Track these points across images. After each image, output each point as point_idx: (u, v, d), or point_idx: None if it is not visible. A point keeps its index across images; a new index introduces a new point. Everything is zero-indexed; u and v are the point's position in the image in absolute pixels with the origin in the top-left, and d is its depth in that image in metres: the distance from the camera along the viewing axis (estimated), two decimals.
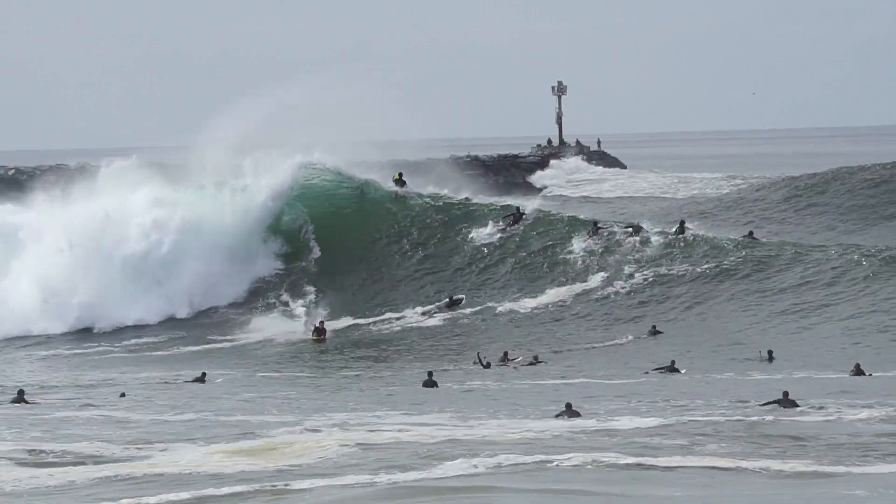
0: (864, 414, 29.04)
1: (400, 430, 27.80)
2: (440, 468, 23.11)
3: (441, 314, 52.69)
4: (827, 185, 78.07)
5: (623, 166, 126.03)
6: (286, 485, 21.81)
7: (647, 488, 21.10)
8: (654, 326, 48.46)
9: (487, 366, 42.81)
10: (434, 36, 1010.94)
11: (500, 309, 52.48)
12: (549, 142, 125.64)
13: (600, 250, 55.75)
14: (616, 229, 57.55)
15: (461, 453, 24.18)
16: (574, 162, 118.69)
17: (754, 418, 28.70)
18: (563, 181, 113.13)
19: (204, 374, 40.71)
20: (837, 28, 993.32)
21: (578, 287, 53.44)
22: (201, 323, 53.55)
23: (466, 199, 61.06)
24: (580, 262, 55.42)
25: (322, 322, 50.70)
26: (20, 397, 35.21)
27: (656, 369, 40.58)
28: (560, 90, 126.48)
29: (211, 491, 21.38)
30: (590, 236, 57.17)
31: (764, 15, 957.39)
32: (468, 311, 52.42)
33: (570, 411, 30.39)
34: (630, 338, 47.44)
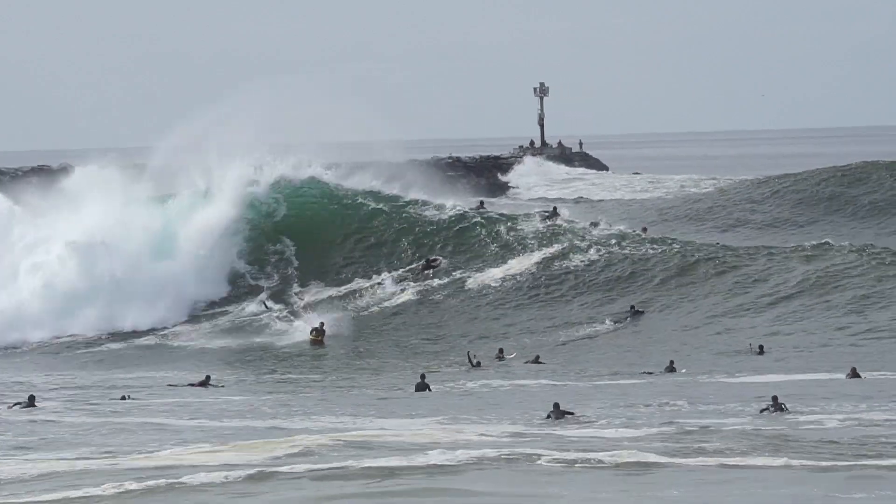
0: (863, 416, 28.97)
1: (388, 432, 27.79)
2: (422, 457, 23.39)
3: (419, 287, 53.49)
4: (804, 184, 78.61)
5: (605, 167, 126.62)
6: (259, 471, 22.30)
7: (640, 488, 21.09)
8: (632, 307, 49.12)
9: (477, 365, 42.62)
10: (434, 36, 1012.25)
11: (470, 284, 53.43)
12: (532, 143, 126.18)
13: (559, 232, 56.62)
14: (574, 219, 58.80)
15: (443, 450, 24.22)
16: (543, 164, 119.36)
17: (745, 422, 28.64)
18: (532, 182, 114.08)
19: (208, 378, 40.53)
20: (837, 28, 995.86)
21: (547, 264, 54.18)
22: (195, 328, 52.98)
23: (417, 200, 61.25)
24: (541, 242, 56.25)
25: (322, 323, 50.01)
26: (31, 402, 34.89)
27: (664, 370, 40.36)
28: (542, 92, 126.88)
29: (188, 479, 21.80)
30: (549, 219, 58.15)
31: (764, 15, 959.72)
32: (441, 282, 53.14)
33: (557, 412, 30.32)
34: (610, 324, 48.19)
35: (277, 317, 52.62)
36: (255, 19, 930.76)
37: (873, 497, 20.29)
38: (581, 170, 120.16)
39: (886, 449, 24.55)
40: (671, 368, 40.28)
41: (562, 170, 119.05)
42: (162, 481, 21.67)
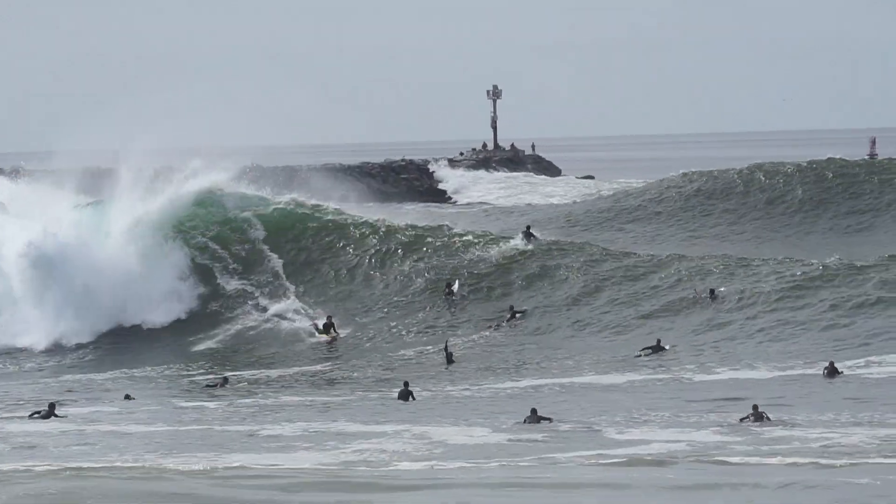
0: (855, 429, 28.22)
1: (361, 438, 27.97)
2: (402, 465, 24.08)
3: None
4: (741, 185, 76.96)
5: (557, 171, 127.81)
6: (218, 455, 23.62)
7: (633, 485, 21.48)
8: (511, 307, 48.84)
9: (450, 356, 41.62)
10: (422, 35, 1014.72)
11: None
12: (484, 145, 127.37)
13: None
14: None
15: (426, 457, 24.89)
16: (464, 173, 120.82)
17: (723, 434, 28.40)
18: (462, 186, 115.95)
19: (226, 379, 40.53)
20: (838, 28, 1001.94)
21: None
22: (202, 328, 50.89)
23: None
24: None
25: (329, 317, 47.69)
26: (51, 411, 34.14)
27: (645, 349, 40.19)
28: (495, 94, 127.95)
29: (160, 460, 23.03)
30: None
31: (764, 15, 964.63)
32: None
33: (534, 416, 30.36)
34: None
35: (269, 313, 50.84)
36: (255, 19, 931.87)
37: (877, 483, 20.81)
38: (519, 174, 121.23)
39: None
40: (659, 347, 40.21)
41: (496, 174, 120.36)
42: (117, 461, 22.65)
